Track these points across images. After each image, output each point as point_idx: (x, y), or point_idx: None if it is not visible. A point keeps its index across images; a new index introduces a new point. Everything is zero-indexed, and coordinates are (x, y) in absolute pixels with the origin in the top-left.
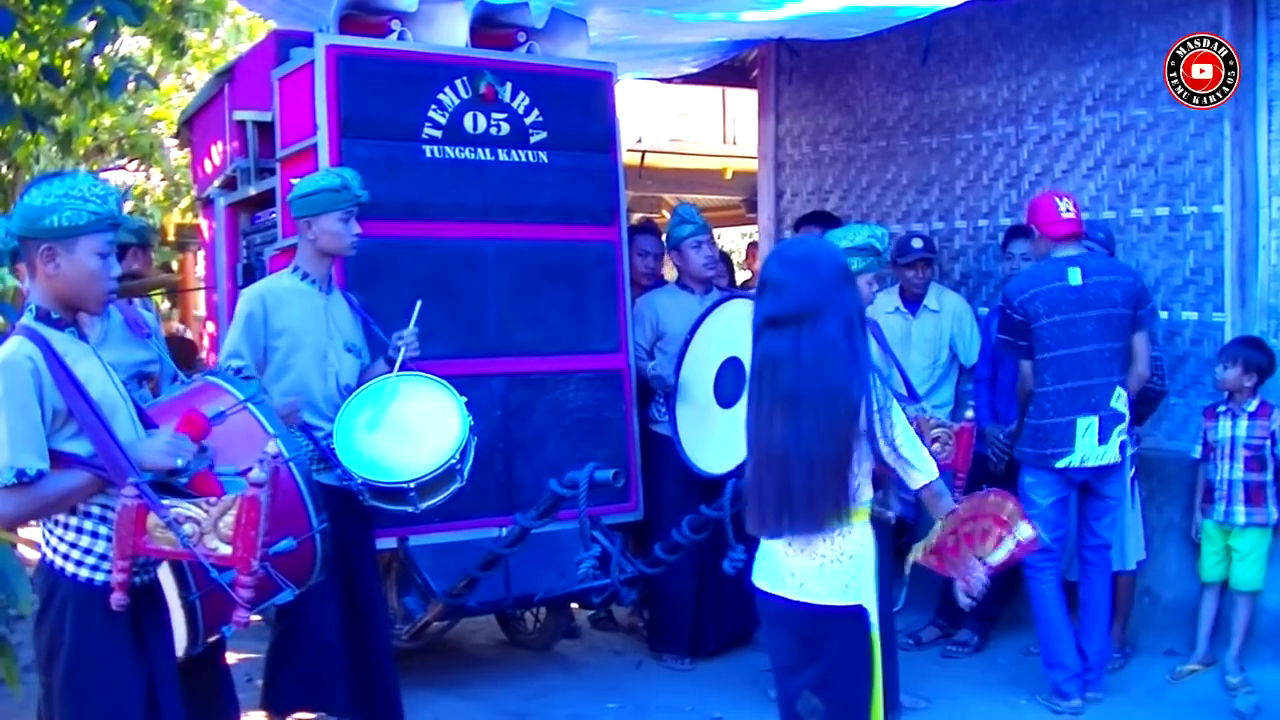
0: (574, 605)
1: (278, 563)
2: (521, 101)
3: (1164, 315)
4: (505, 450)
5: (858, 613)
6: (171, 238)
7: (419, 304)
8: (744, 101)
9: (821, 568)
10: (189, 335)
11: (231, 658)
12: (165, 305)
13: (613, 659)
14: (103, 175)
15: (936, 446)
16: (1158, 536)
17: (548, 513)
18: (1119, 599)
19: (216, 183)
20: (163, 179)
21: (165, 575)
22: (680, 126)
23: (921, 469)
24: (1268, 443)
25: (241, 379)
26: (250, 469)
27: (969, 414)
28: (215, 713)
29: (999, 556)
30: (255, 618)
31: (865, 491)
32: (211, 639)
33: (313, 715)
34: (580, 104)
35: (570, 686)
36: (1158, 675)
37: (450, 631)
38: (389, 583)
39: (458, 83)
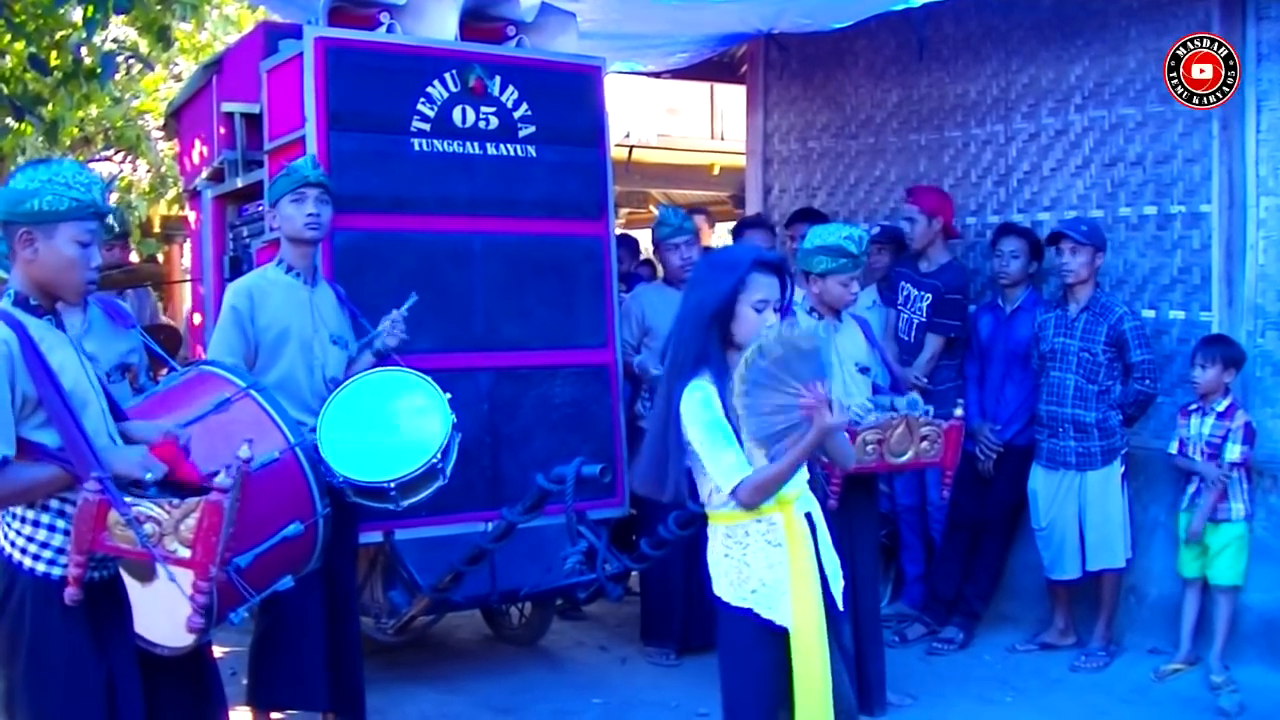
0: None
1: (279, 551)
2: (510, 95)
3: (1150, 314)
4: (492, 445)
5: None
6: (158, 229)
7: (413, 297)
8: (733, 97)
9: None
10: (172, 324)
11: (216, 651)
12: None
13: (598, 654)
14: (90, 166)
15: (925, 444)
16: (1143, 534)
17: (534, 508)
18: (1104, 597)
19: (204, 174)
20: (149, 170)
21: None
22: (668, 122)
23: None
24: (1224, 441)
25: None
26: (217, 473)
27: (958, 412)
28: (204, 706)
29: None
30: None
31: (714, 495)
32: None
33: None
34: (569, 98)
35: (555, 681)
36: (1142, 674)
37: (436, 626)
38: (374, 577)
39: (446, 76)
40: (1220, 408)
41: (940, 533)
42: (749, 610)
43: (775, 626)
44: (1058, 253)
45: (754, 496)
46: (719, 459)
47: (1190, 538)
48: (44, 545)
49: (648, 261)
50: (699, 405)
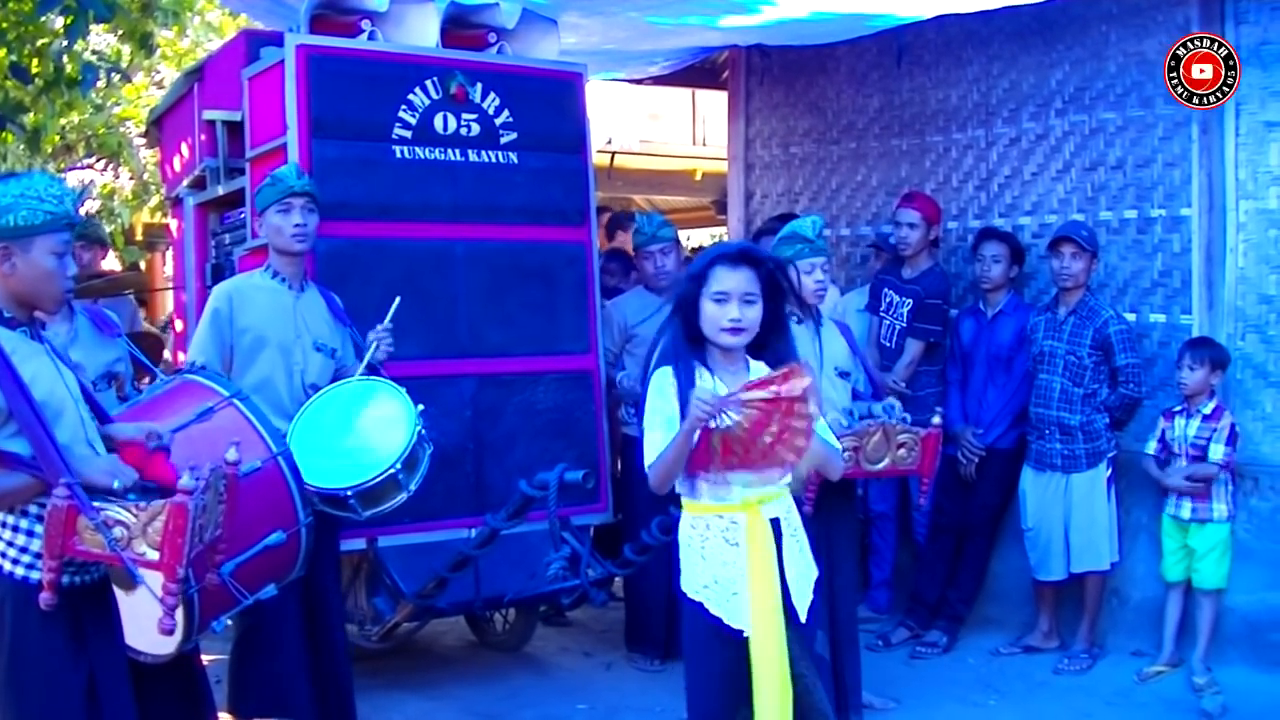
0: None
1: (262, 559)
2: (492, 102)
3: (1132, 318)
4: (475, 451)
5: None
6: (140, 237)
7: (397, 300)
8: (714, 103)
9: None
10: (154, 331)
11: (203, 659)
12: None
13: (583, 660)
14: (70, 174)
15: (902, 452)
16: (1126, 537)
17: (518, 514)
18: (1087, 599)
19: (185, 182)
20: (131, 178)
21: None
22: (650, 128)
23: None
24: (1210, 443)
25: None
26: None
27: (936, 420)
28: (192, 712)
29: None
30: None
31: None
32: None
33: None
34: (551, 105)
35: (540, 687)
36: (1125, 676)
37: (420, 632)
38: (358, 583)
39: (428, 83)
40: (1206, 410)
41: (923, 536)
42: (700, 604)
43: (724, 627)
44: (1057, 256)
45: (653, 480)
46: (648, 438)
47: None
48: (23, 550)
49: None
50: (653, 389)
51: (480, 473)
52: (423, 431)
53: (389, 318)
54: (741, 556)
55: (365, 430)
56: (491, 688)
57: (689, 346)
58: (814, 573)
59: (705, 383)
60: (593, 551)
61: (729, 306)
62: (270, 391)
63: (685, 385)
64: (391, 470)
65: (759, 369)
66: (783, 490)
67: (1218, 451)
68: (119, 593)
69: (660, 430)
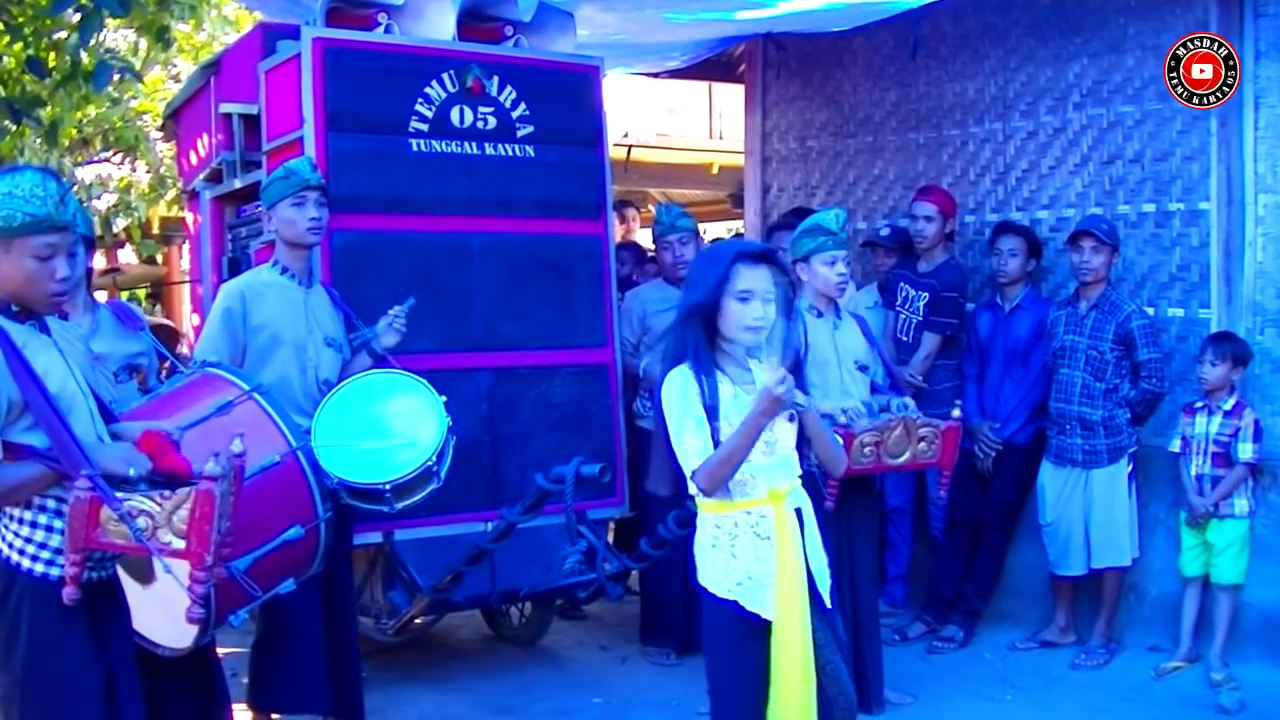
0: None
1: (280, 554)
2: (508, 95)
3: (1150, 311)
4: (491, 445)
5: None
6: (156, 231)
7: (410, 301)
8: (731, 96)
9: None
10: (169, 323)
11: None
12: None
13: (598, 654)
14: (87, 168)
15: (923, 445)
16: (1144, 532)
17: (534, 507)
18: (1105, 594)
19: (202, 176)
20: (148, 171)
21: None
22: (667, 121)
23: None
24: (1233, 440)
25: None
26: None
27: (955, 413)
28: (208, 704)
29: None
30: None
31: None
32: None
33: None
34: (567, 98)
35: (556, 681)
36: (1143, 671)
37: (436, 626)
38: (374, 577)
39: (445, 76)
40: (1227, 406)
41: (939, 531)
42: (734, 603)
43: (760, 620)
44: (1076, 251)
45: (709, 480)
46: (683, 442)
47: (1193, 521)
48: (42, 546)
49: (652, 260)
50: (675, 390)
51: (496, 466)
52: (449, 422)
53: (405, 309)
54: (773, 549)
55: (392, 423)
56: (506, 681)
57: (708, 347)
58: (826, 555)
59: (723, 384)
60: (609, 545)
61: (753, 305)
62: (285, 388)
63: (710, 386)
64: (428, 462)
65: (757, 368)
66: (797, 481)
67: (1246, 450)
68: (134, 586)
69: (694, 434)
